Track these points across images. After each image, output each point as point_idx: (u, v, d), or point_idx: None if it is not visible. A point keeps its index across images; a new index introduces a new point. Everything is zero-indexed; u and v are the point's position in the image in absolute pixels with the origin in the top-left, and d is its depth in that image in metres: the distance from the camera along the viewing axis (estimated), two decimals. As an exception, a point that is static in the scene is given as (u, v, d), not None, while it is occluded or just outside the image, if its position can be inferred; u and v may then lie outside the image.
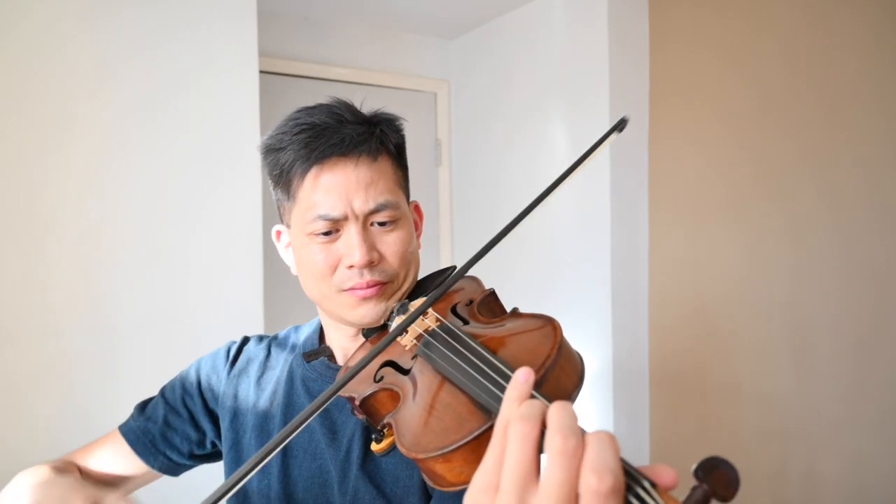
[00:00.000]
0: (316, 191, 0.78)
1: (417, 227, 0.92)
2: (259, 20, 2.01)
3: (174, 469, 0.97)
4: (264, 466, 0.85)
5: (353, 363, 0.78)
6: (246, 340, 1.00)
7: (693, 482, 0.39)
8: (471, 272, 0.74)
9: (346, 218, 0.78)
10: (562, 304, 2.45)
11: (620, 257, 2.28)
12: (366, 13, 2.67)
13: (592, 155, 0.69)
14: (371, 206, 0.78)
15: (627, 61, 2.29)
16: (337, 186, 0.77)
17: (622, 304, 2.28)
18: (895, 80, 1.74)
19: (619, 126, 0.69)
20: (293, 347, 0.96)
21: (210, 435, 0.96)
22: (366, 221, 0.79)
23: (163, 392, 0.98)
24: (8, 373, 1.63)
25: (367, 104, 0.86)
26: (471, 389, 0.54)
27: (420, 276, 0.88)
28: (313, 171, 0.78)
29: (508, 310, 0.76)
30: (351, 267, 0.78)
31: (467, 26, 2.85)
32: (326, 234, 0.78)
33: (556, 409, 0.41)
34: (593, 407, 2.34)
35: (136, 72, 1.79)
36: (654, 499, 0.38)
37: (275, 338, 0.99)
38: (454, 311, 0.75)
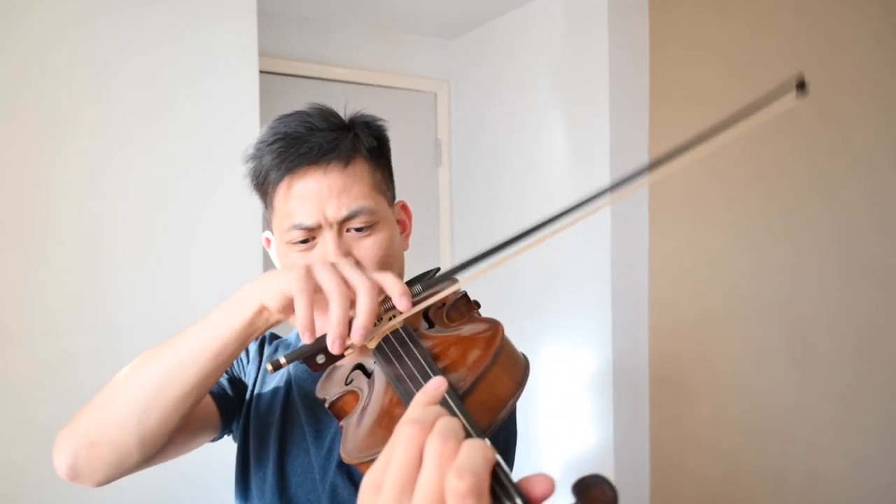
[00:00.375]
0: (290, 200, 0.79)
1: (405, 227, 0.92)
2: (259, 20, 2.01)
3: (225, 404, 0.92)
4: (261, 459, 0.86)
5: (327, 377, 0.79)
6: (281, 341, 1.00)
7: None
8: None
9: (320, 226, 0.78)
10: (562, 304, 2.45)
11: (620, 257, 2.28)
12: (366, 13, 2.67)
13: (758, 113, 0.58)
14: (344, 213, 0.78)
15: (627, 61, 2.29)
16: (310, 195, 0.78)
17: (622, 305, 2.28)
18: (895, 80, 1.74)
19: (801, 85, 0.55)
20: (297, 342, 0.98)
21: (240, 401, 0.94)
22: (341, 228, 0.79)
23: None
24: (8, 373, 1.63)
25: (368, 104, 0.86)
26: (405, 397, 0.55)
27: (406, 278, 0.88)
28: (286, 181, 0.79)
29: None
30: None
31: (467, 26, 2.85)
32: (304, 241, 0.79)
33: (444, 418, 0.42)
34: (593, 408, 2.34)
35: (136, 72, 1.79)
36: None
37: (283, 340, 1.01)
38: (426, 314, 0.75)
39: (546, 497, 0.39)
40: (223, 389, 0.90)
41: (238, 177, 2.06)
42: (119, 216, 1.77)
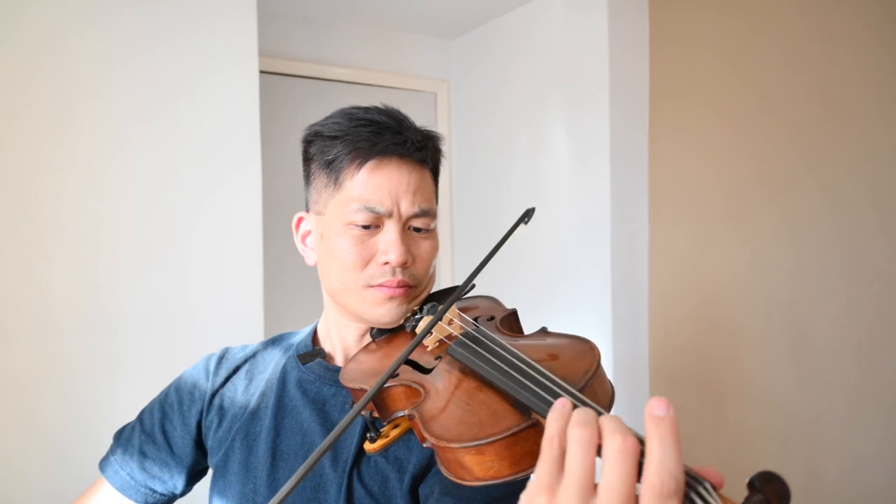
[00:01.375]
0: (368, 183, 0.80)
1: None
2: (259, 20, 2.01)
3: (167, 500, 0.94)
4: (249, 469, 0.85)
5: (358, 366, 0.79)
6: (227, 350, 0.99)
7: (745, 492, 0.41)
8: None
9: (389, 215, 0.80)
10: (562, 303, 2.45)
11: (620, 256, 2.28)
12: (366, 13, 2.67)
13: (506, 241, 0.74)
14: (415, 209, 0.81)
15: (627, 61, 2.29)
16: (389, 184, 0.80)
17: (622, 304, 2.28)
18: (895, 80, 1.74)
19: (526, 217, 0.74)
20: (287, 348, 0.95)
21: (191, 456, 0.93)
22: (405, 224, 0.82)
23: (140, 417, 0.96)
24: (8, 373, 1.63)
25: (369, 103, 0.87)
26: (511, 388, 0.56)
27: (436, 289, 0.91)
28: (371, 164, 0.80)
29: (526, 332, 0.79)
30: (386, 264, 0.80)
31: (467, 26, 2.85)
32: (366, 227, 0.80)
33: (608, 416, 0.44)
34: (593, 407, 2.33)
35: (136, 72, 1.79)
36: (714, 499, 0.40)
37: (270, 341, 0.99)
38: (476, 322, 0.76)
39: (720, 485, 0.41)
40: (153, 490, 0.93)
41: (238, 176, 2.07)
42: (119, 216, 1.77)
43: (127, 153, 1.78)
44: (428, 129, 0.87)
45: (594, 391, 0.55)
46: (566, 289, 2.43)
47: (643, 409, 0.43)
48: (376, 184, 0.80)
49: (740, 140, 2.06)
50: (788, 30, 1.95)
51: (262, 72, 2.03)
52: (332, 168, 0.82)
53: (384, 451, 0.77)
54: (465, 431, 0.54)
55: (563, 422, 0.45)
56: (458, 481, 0.54)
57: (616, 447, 0.41)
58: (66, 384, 1.68)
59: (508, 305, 0.85)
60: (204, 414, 0.93)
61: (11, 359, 1.63)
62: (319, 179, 0.84)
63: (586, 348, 0.62)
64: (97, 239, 1.74)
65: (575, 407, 0.47)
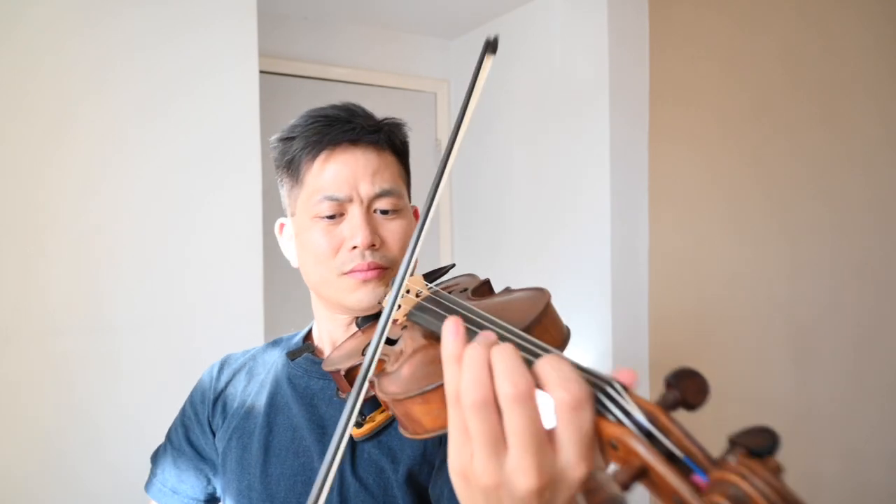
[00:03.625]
0: (324, 174, 0.82)
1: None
2: (259, 20, 2.00)
3: (212, 502, 0.97)
4: (244, 466, 0.86)
5: (340, 352, 0.80)
6: (227, 357, 1.01)
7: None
8: (470, 270, 0.76)
9: (350, 200, 0.81)
10: (562, 302, 2.44)
11: (620, 257, 2.28)
12: (366, 13, 2.67)
13: (476, 88, 0.67)
14: (376, 190, 0.82)
15: (627, 62, 2.29)
16: (344, 170, 0.81)
17: (622, 304, 2.28)
18: (892, 82, 1.74)
19: (491, 47, 0.65)
20: (285, 348, 0.97)
21: (218, 458, 0.96)
22: (369, 206, 0.83)
23: (168, 436, 1.00)
24: (8, 373, 1.63)
25: (368, 105, 0.89)
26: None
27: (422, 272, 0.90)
28: (323, 156, 0.82)
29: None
30: (354, 248, 0.81)
31: (467, 26, 2.85)
32: (331, 217, 0.82)
33: (497, 358, 0.40)
34: (593, 407, 2.33)
35: (136, 72, 1.79)
36: (624, 398, 0.39)
37: (271, 343, 1.01)
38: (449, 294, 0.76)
39: (632, 385, 0.40)
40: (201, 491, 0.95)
41: (238, 176, 2.08)
42: (119, 216, 1.77)
43: (127, 153, 1.78)
44: (389, 117, 0.88)
45: (544, 328, 0.55)
46: (566, 288, 2.43)
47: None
48: (333, 172, 0.82)
49: (740, 141, 2.06)
50: (788, 32, 1.95)
51: (262, 72, 2.02)
52: (293, 167, 0.85)
53: (377, 441, 0.78)
54: (414, 384, 0.54)
55: (456, 370, 0.41)
56: (412, 436, 0.54)
57: (506, 395, 0.38)
58: (66, 384, 1.68)
59: None
60: (210, 417, 0.95)
61: (11, 359, 1.63)
62: (286, 181, 0.87)
63: (537, 293, 0.64)
64: (97, 239, 1.74)
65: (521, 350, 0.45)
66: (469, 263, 2.94)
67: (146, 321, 1.78)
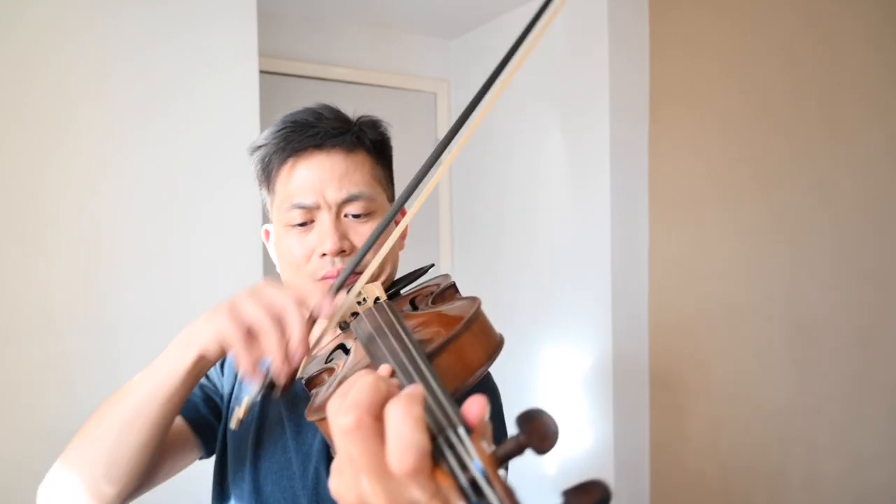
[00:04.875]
0: (291, 181, 0.81)
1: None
2: (259, 20, 2.01)
3: (202, 427, 0.92)
4: (239, 461, 0.85)
5: (311, 360, 0.79)
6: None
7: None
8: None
9: (318, 207, 0.81)
10: (562, 304, 2.45)
11: (620, 259, 2.28)
12: (366, 13, 2.67)
13: (539, 28, 0.68)
14: (343, 195, 0.81)
15: (627, 63, 2.29)
16: (311, 176, 0.81)
17: (622, 305, 2.28)
18: (893, 84, 1.74)
19: None
20: None
21: (216, 420, 0.94)
22: (339, 211, 0.82)
23: None
24: (8, 373, 1.63)
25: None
26: (376, 363, 0.56)
27: (398, 275, 0.89)
28: (289, 163, 0.82)
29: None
30: (323, 255, 0.80)
31: (467, 26, 2.85)
32: (302, 224, 0.81)
33: (351, 388, 0.40)
34: (593, 406, 2.34)
35: (136, 72, 1.79)
36: (465, 447, 0.37)
37: None
38: (412, 301, 0.77)
39: (479, 419, 0.39)
40: (197, 411, 0.90)
41: (238, 176, 2.07)
42: (119, 216, 1.77)
43: (127, 153, 1.78)
44: (362, 115, 0.87)
45: (459, 348, 0.54)
46: (567, 290, 2.43)
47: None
48: (299, 179, 0.81)
49: (739, 143, 2.06)
50: (788, 34, 1.95)
51: (262, 72, 2.03)
52: (265, 175, 0.85)
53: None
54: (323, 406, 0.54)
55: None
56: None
57: (338, 427, 0.39)
58: (66, 384, 1.68)
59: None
60: (217, 392, 0.94)
61: (12, 359, 1.63)
62: (263, 189, 0.88)
63: (468, 302, 0.63)
64: (97, 239, 1.74)
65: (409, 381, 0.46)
66: (468, 264, 2.94)
67: (146, 321, 1.78)
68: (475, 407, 0.39)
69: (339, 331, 0.74)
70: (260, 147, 0.86)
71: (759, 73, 2.01)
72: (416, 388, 0.40)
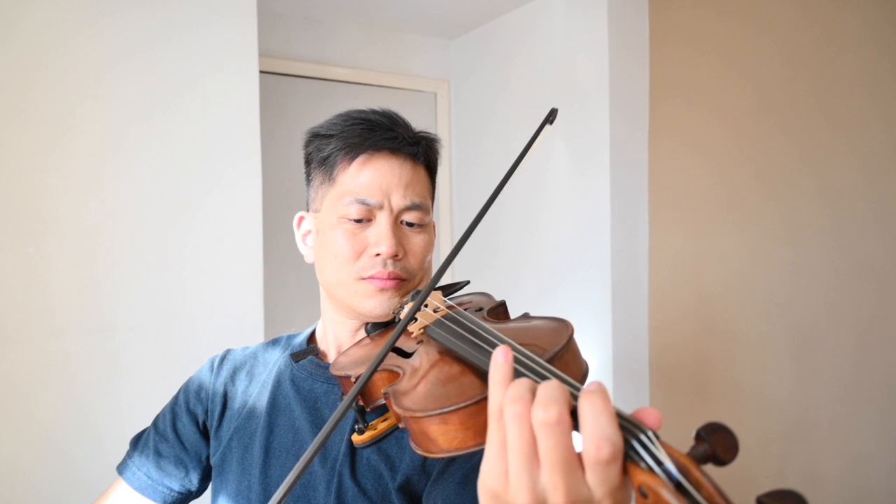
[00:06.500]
0: (359, 176, 0.82)
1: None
2: (259, 20, 2.01)
3: (185, 498, 0.95)
4: (245, 467, 0.86)
5: (348, 357, 0.79)
6: (228, 351, 1.00)
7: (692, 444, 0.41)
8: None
9: (381, 207, 0.82)
10: (562, 303, 2.45)
11: (620, 256, 2.28)
12: (366, 13, 2.67)
13: (532, 148, 0.73)
14: (407, 202, 0.83)
15: (628, 61, 2.29)
16: (380, 177, 0.82)
17: (622, 304, 2.28)
18: (895, 81, 1.74)
19: (550, 117, 0.74)
20: (287, 348, 0.97)
21: (203, 452, 0.95)
22: (398, 217, 0.83)
23: (154, 422, 0.98)
24: (8, 373, 1.63)
25: (368, 105, 0.89)
26: (477, 360, 0.56)
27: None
28: (361, 158, 0.82)
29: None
30: (377, 256, 0.81)
31: (467, 26, 2.85)
32: (358, 220, 0.82)
33: (544, 385, 0.43)
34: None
35: (136, 72, 1.79)
36: (656, 447, 0.40)
37: (272, 342, 1.00)
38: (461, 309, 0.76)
39: (657, 427, 0.42)
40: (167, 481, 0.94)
41: (238, 176, 2.07)
42: (119, 216, 1.77)
43: (127, 153, 1.78)
44: (424, 131, 0.89)
45: (565, 363, 0.56)
46: (566, 289, 2.43)
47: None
48: (368, 177, 0.82)
49: (740, 140, 2.06)
50: (788, 30, 1.95)
51: (262, 72, 2.03)
52: (327, 164, 0.85)
53: (377, 448, 0.77)
54: (432, 402, 0.54)
55: (502, 391, 0.45)
56: (426, 454, 0.54)
57: (539, 421, 0.41)
58: (66, 384, 1.69)
59: (508, 303, 0.86)
60: (209, 413, 0.94)
61: (11, 359, 1.63)
62: (316, 177, 0.87)
63: (560, 325, 0.64)
64: (97, 239, 1.74)
65: (543, 380, 0.47)
66: (468, 263, 2.94)
67: (146, 321, 1.78)
68: (653, 414, 0.42)
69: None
70: (325, 136, 0.85)
71: (760, 69, 2.01)
72: (599, 385, 0.42)
